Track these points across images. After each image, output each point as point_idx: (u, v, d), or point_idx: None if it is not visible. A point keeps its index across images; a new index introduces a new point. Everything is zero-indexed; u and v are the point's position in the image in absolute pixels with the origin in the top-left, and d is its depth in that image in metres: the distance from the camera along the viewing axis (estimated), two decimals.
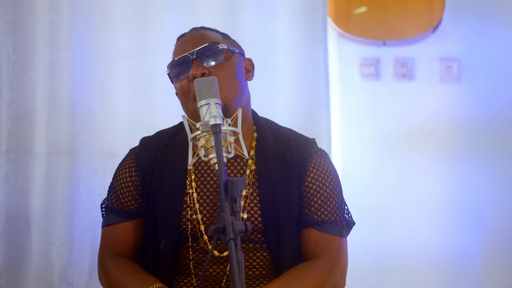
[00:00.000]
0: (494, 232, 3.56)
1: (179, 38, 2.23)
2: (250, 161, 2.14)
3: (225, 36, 2.21)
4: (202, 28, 2.23)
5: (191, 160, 1.88)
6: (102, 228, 2.24)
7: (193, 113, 2.08)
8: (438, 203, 3.57)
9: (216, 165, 1.75)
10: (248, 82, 2.23)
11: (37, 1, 3.31)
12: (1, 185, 3.26)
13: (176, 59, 2.14)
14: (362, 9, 3.54)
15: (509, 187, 3.57)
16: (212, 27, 2.26)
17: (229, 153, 1.84)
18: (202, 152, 1.82)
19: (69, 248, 3.29)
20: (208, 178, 2.14)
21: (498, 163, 3.58)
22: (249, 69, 2.23)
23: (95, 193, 3.24)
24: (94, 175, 3.28)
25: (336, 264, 2.12)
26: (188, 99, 2.11)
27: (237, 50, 2.18)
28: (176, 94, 2.22)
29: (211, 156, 1.79)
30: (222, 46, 2.13)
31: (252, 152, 2.12)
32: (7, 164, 3.27)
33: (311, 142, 2.23)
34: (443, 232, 3.57)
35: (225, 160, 1.77)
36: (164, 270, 2.13)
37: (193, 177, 2.14)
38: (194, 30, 2.23)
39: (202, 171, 2.15)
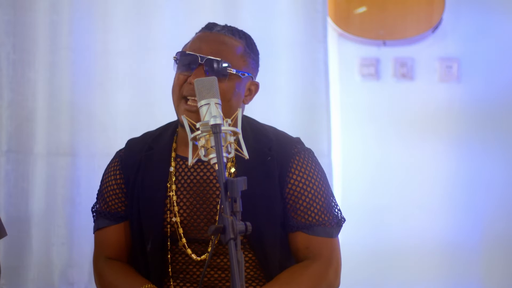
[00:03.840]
0: (493, 233, 3.57)
1: (205, 29, 2.16)
2: (229, 164, 2.12)
3: (247, 50, 2.14)
4: (231, 31, 2.14)
5: (191, 160, 1.88)
6: (94, 232, 2.26)
7: (176, 107, 2.12)
8: (438, 203, 3.57)
9: (216, 165, 1.75)
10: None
11: (37, 1, 3.30)
12: (1, 185, 3.26)
13: (187, 52, 2.10)
14: (362, 9, 3.54)
15: (509, 184, 3.58)
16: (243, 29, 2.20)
17: (229, 153, 1.83)
18: (202, 152, 1.81)
19: (69, 248, 3.29)
20: (188, 181, 2.13)
21: (498, 163, 3.58)
22: (251, 91, 2.17)
23: (95, 193, 3.22)
24: (94, 175, 3.27)
25: (330, 264, 2.11)
26: (176, 92, 2.11)
27: (247, 75, 2.13)
28: None
29: (211, 156, 1.79)
30: (231, 70, 2.08)
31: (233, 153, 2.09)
32: (7, 164, 3.27)
33: (294, 142, 2.18)
34: (443, 231, 3.57)
35: (225, 160, 1.77)
36: (154, 272, 2.13)
37: (173, 179, 2.14)
38: (222, 30, 2.14)
39: (183, 174, 2.14)
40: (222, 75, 2.07)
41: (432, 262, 3.56)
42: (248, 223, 1.67)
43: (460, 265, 3.57)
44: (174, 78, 2.14)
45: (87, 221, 3.24)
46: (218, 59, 2.07)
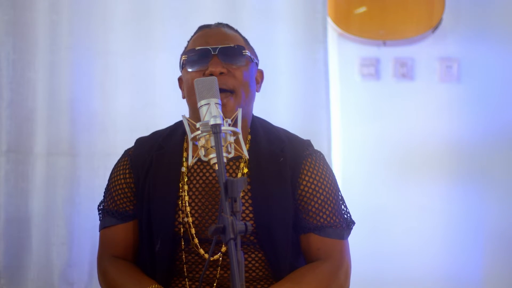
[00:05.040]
0: (495, 238, 3.57)
1: (201, 28, 2.20)
2: (242, 164, 2.13)
3: (246, 41, 2.19)
4: (228, 26, 2.20)
5: (191, 160, 1.88)
6: (99, 230, 2.24)
7: (196, 107, 2.06)
8: (439, 206, 3.57)
9: (216, 165, 1.75)
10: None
11: (37, 1, 3.31)
12: (1, 185, 3.26)
13: (196, 48, 2.11)
14: (362, 9, 3.54)
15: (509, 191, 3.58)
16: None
17: (229, 153, 1.84)
18: (202, 152, 1.82)
19: (69, 248, 3.29)
20: (201, 181, 2.13)
21: (498, 162, 3.58)
22: (258, 80, 2.21)
23: (95, 193, 3.23)
24: (94, 175, 3.28)
25: (340, 266, 2.12)
26: (194, 92, 2.10)
27: (255, 60, 2.17)
28: (178, 80, 2.21)
29: (211, 156, 1.79)
30: (246, 52, 2.11)
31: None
32: (7, 164, 3.27)
33: (306, 144, 2.20)
34: (443, 232, 3.57)
35: (225, 160, 1.77)
36: (161, 272, 2.13)
37: (185, 179, 2.14)
38: (219, 25, 2.19)
39: (195, 174, 2.14)
40: (238, 60, 2.09)
41: (433, 262, 3.56)
42: (248, 223, 1.67)
43: (461, 264, 3.58)
44: (187, 79, 2.12)
45: (87, 221, 3.26)
46: (231, 45, 2.10)
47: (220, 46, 2.08)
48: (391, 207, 3.57)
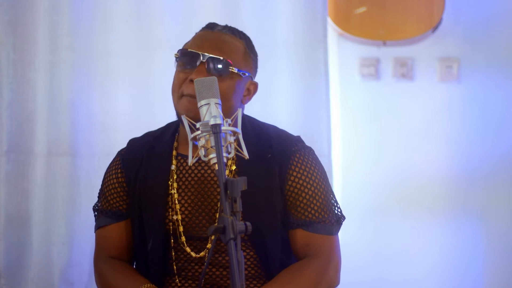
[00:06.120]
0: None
1: (205, 28, 2.17)
2: (230, 161, 2.12)
3: (247, 51, 2.16)
4: (232, 31, 2.16)
5: (191, 159, 1.88)
6: (95, 231, 2.27)
7: (175, 106, 2.12)
8: (439, 201, 3.57)
9: (216, 165, 1.75)
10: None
11: (37, 1, 3.30)
12: (1, 185, 3.26)
13: (189, 50, 2.11)
14: (362, 9, 3.54)
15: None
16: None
17: (229, 153, 1.84)
18: (202, 152, 1.82)
19: (69, 248, 3.29)
20: (190, 179, 2.14)
21: (498, 160, 3.58)
22: (250, 91, 2.18)
23: (96, 193, 3.20)
24: (95, 175, 3.28)
25: (330, 262, 2.11)
26: (176, 92, 2.12)
27: (247, 74, 2.14)
28: None
29: (211, 156, 1.80)
30: (233, 69, 2.08)
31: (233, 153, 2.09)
32: (7, 164, 3.27)
33: (295, 140, 2.19)
34: (444, 231, 3.57)
35: (225, 160, 1.77)
36: (154, 270, 2.14)
37: (175, 177, 2.15)
38: (224, 30, 2.15)
39: (184, 171, 2.15)
40: (223, 73, 2.08)
41: (433, 262, 3.56)
42: (248, 223, 1.68)
43: (461, 269, 3.58)
44: (174, 76, 2.14)
45: (87, 221, 3.25)
46: (220, 58, 2.08)
47: (209, 55, 2.07)
48: (391, 207, 3.57)
